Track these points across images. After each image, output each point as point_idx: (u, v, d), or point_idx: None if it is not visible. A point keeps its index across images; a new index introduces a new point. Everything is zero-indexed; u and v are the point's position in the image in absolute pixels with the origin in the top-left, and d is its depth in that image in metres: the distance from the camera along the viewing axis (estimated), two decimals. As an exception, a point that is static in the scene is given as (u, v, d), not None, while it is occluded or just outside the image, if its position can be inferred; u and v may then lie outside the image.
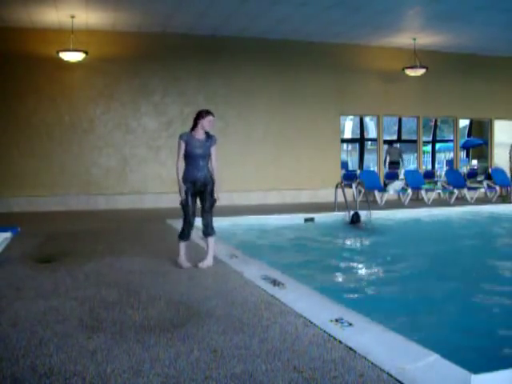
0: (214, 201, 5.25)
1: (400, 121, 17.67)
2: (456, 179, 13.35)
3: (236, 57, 12.31)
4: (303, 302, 3.80)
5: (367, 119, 19.86)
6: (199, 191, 5.19)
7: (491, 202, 12.67)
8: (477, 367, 2.49)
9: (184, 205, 5.16)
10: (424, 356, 2.68)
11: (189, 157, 5.12)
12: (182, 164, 5.17)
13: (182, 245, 5.25)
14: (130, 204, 11.51)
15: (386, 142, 18.66)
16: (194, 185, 5.14)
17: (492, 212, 11.46)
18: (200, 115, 5.16)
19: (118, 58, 11.59)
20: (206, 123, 5.15)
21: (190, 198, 5.15)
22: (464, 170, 18.06)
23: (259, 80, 12.54)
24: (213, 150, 5.17)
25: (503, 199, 13.20)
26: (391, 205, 11.65)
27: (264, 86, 12.58)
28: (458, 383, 2.41)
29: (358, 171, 14.83)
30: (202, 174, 5.13)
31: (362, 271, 6.42)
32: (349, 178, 13.77)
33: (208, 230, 5.21)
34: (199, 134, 5.15)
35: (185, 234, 5.24)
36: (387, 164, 14.69)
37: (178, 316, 3.51)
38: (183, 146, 5.11)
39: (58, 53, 10.60)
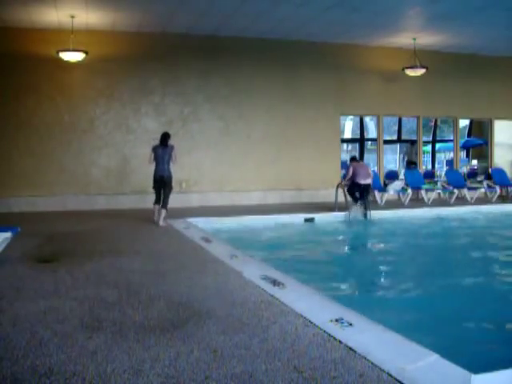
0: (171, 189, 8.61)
1: (400, 121, 17.69)
2: (456, 179, 13.35)
3: (236, 57, 12.30)
4: (303, 301, 3.79)
5: (367, 119, 19.86)
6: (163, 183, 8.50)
7: (491, 201, 12.66)
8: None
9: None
10: (424, 356, 2.68)
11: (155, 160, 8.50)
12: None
13: (156, 207, 8.53)
14: (130, 204, 11.50)
15: (407, 141, 18.94)
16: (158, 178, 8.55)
17: (492, 212, 11.46)
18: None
19: (118, 58, 11.58)
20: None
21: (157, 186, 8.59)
22: (464, 169, 18.07)
23: (259, 80, 12.53)
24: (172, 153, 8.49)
25: (503, 199, 13.19)
26: (391, 205, 11.65)
27: (264, 86, 12.57)
28: (457, 383, 2.41)
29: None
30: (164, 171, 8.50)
31: (362, 271, 6.42)
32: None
33: (164, 206, 8.43)
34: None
35: (156, 202, 8.54)
36: (405, 163, 14.74)
37: (177, 316, 3.50)
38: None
39: (57, 53, 10.59)
